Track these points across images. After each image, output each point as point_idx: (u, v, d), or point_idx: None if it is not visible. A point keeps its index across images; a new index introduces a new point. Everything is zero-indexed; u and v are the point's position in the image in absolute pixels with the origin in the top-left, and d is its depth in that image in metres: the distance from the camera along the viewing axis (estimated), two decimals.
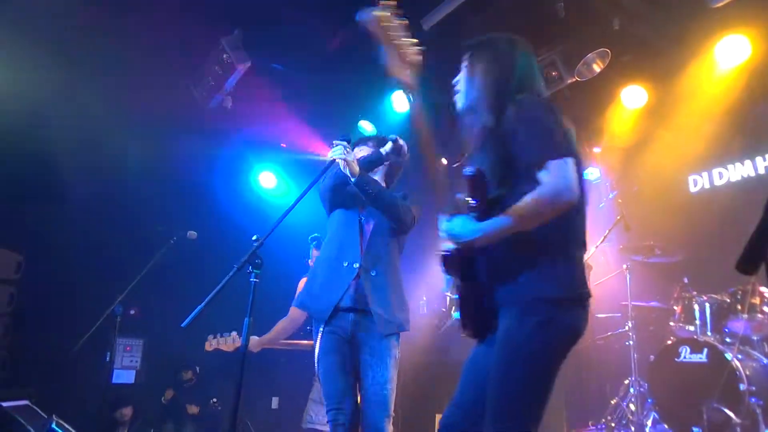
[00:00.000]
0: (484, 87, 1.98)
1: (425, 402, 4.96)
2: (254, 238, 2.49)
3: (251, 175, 6.44)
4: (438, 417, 4.62)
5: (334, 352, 2.78)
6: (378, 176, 3.14)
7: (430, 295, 5.84)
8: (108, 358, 4.15)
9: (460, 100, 2.08)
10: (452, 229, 1.81)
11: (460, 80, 2.09)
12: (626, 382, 4.48)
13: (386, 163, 3.11)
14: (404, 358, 3.09)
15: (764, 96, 4.86)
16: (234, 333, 3.94)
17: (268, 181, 6.45)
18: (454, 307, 1.98)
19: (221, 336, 3.97)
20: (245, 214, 5.84)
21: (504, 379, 1.70)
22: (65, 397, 4.78)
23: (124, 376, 5.84)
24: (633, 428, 4.02)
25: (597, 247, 4.98)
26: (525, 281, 1.79)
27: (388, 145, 3.06)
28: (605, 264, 5.48)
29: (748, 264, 0.89)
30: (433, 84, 5.54)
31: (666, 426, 3.96)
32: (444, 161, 5.49)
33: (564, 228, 1.82)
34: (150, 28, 4.69)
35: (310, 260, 4.16)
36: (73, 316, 4.75)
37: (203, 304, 2.27)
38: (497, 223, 1.73)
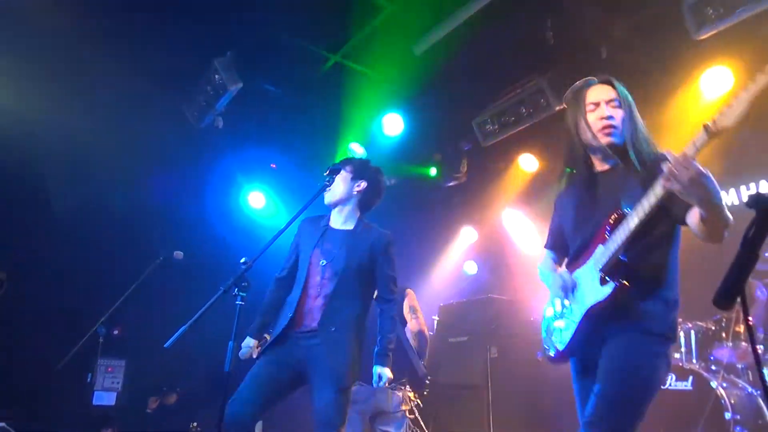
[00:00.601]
0: (640, 128, 2.14)
1: None
2: (242, 260, 2.48)
3: (241, 196, 6.43)
4: None
5: None
6: (351, 207, 3.11)
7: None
8: (89, 379, 4.08)
9: (615, 135, 2.12)
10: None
11: (615, 115, 2.14)
12: None
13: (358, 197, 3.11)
14: None
15: (747, 127, 4.94)
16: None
17: (257, 201, 6.44)
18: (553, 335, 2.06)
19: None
20: (234, 234, 5.81)
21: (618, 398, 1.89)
22: (45, 418, 4.68)
23: (105, 397, 5.73)
24: None
25: None
26: (648, 315, 1.97)
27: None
28: None
29: (725, 298, 0.90)
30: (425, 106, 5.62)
31: None
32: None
33: (678, 272, 2.05)
34: (144, 47, 4.72)
35: None
36: (56, 336, 4.68)
37: (187, 325, 2.25)
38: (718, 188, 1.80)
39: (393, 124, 5.65)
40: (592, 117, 2.15)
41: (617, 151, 2.13)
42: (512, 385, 5.24)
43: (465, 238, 7.22)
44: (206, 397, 4.89)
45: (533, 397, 5.23)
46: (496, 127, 5.41)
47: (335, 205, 3.08)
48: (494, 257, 7.16)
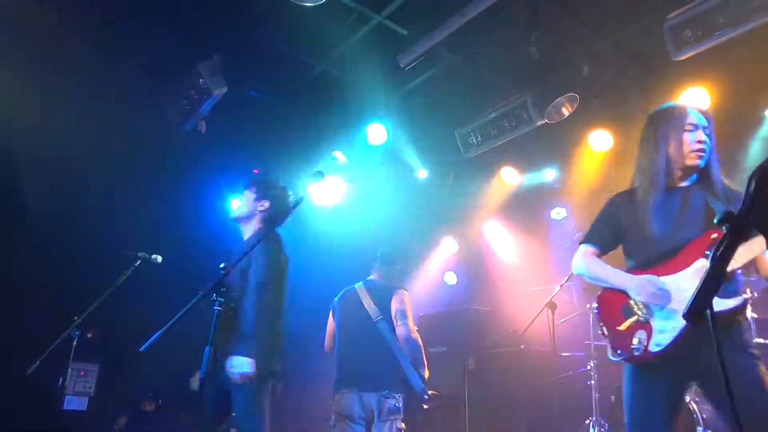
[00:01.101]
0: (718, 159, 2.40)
1: None
2: (222, 266, 2.47)
3: (222, 201, 6.37)
4: None
5: None
6: (254, 224, 3.26)
7: None
8: (61, 383, 3.99)
9: (703, 159, 2.35)
10: None
11: (707, 142, 2.36)
12: (587, 422, 4.50)
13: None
14: None
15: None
16: None
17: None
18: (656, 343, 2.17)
19: None
20: (214, 239, 5.75)
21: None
22: (12, 423, 4.56)
23: (76, 402, 5.60)
24: None
25: (562, 286, 5.05)
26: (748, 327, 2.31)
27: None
28: (570, 303, 5.57)
29: (694, 314, 0.92)
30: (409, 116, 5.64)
31: None
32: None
33: None
34: (127, 47, 4.67)
35: None
36: (27, 339, 4.57)
37: (163, 329, 2.22)
38: None
39: (377, 134, 5.67)
40: (688, 137, 2.36)
41: (697, 172, 2.38)
42: (489, 396, 5.26)
43: (446, 249, 7.26)
44: (181, 405, 4.82)
45: (509, 409, 5.26)
46: (479, 139, 5.46)
47: (239, 221, 3.30)
48: (474, 268, 7.20)
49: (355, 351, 3.75)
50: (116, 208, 5.46)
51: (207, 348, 2.34)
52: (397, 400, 3.56)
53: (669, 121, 2.45)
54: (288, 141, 5.77)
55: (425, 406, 3.69)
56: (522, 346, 5.39)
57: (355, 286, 4.02)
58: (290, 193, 3.41)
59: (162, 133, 5.41)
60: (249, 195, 3.28)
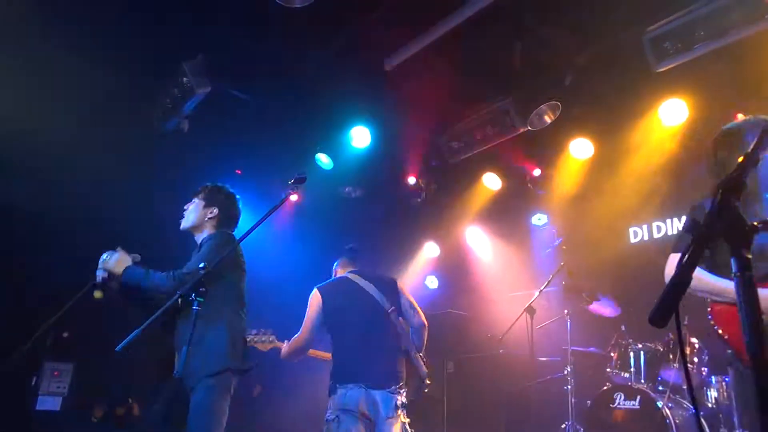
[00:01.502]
0: None
1: None
2: (201, 266, 2.45)
3: None
4: None
5: None
6: (206, 231, 3.26)
7: None
8: (34, 383, 3.93)
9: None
10: None
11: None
12: (563, 426, 4.55)
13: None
14: None
15: (700, 157, 5.16)
16: (272, 332, 3.84)
17: None
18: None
19: (257, 333, 3.81)
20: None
21: None
22: None
23: (49, 402, 5.52)
24: None
25: (541, 291, 5.11)
26: None
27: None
28: (548, 308, 5.62)
29: (659, 316, 0.95)
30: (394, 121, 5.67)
31: None
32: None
33: None
34: (111, 47, 4.62)
35: None
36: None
37: (140, 329, 2.20)
38: None
39: (361, 137, 5.68)
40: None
41: None
42: (468, 399, 5.29)
43: (428, 253, 7.29)
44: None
45: (487, 412, 5.29)
46: (462, 144, 5.50)
47: (190, 230, 3.30)
48: (455, 273, 7.24)
49: (365, 344, 3.49)
50: (96, 206, 5.41)
51: (184, 348, 2.33)
52: (403, 396, 3.45)
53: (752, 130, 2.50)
54: (271, 142, 5.76)
55: (426, 391, 3.70)
56: (501, 351, 5.42)
57: (347, 275, 3.75)
58: (238, 197, 3.42)
59: (144, 131, 5.36)
60: (198, 203, 3.29)
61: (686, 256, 1.00)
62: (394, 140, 5.90)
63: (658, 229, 5.46)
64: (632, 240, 5.63)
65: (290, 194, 2.79)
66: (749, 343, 0.93)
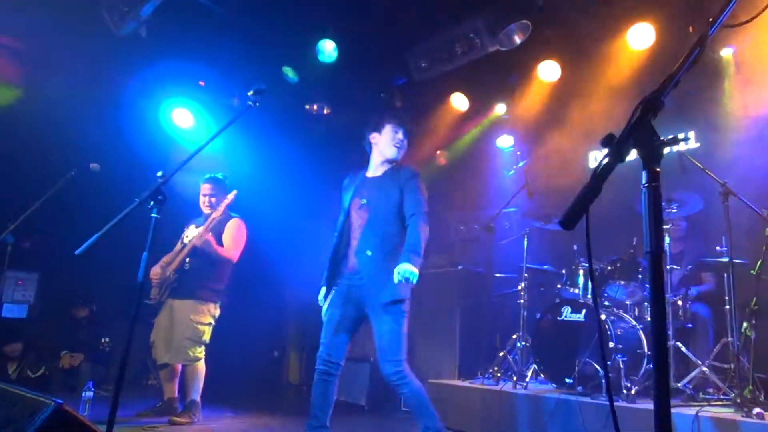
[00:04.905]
0: None
1: None
2: (159, 174, 2.46)
3: (161, 111, 6.14)
4: None
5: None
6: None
7: None
8: None
9: None
10: None
11: None
12: (514, 336, 4.84)
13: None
14: None
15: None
16: None
17: (183, 119, 6.19)
18: None
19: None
20: (153, 148, 5.62)
21: None
22: None
23: (15, 310, 5.60)
24: (515, 378, 4.38)
25: (502, 211, 5.27)
26: None
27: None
28: (508, 228, 5.82)
29: (568, 220, 1.03)
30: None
31: (543, 377, 4.36)
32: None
33: None
34: None
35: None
36: None
37: (100, 233, 2.24)
38: None
39: (327, 51, 5.53)
40: None
41: None
42: (425, 313, 5.52)
43: None
44: (119, 312, 4.89)
45: (443, 324, 5.56)
46: (429, 63, 5.42)
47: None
48: None
49: None
50: (53, 116, 5.23)
51: (144, 254, 2.38)
52: None
53: None
54: (235, 53, 5.57)
55: None
56: (460, 267, 5.65)
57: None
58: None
59: (99, 37, 5.11)
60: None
61: (599, 167, 1.08)
62: (361, 55, 5.76)
63: None
64: (591, 164, 5.77)
65: (249, 106, 2.76)
66: (652, 251, 1.03)
